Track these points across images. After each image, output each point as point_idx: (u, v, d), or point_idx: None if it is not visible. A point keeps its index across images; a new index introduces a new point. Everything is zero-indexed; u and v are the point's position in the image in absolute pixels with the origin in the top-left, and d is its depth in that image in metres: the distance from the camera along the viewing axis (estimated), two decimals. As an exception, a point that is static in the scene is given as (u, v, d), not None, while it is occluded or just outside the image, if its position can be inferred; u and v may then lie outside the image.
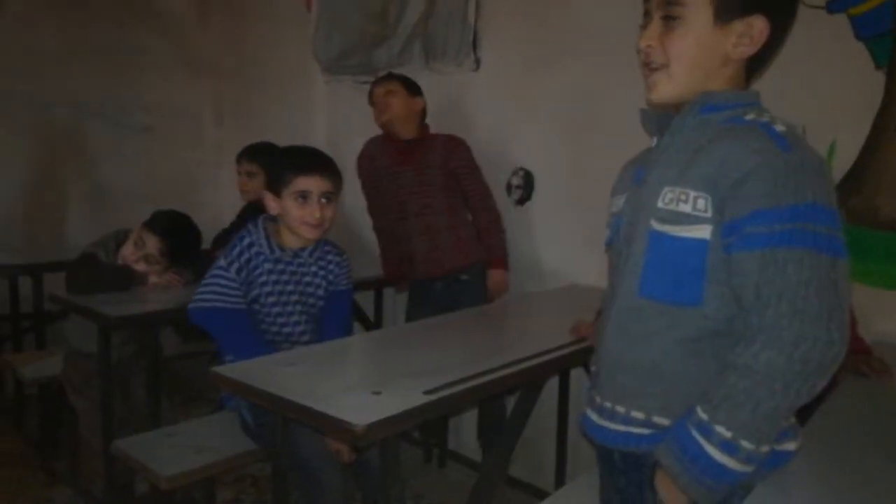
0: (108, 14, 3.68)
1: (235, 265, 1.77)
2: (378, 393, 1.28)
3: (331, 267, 1.90)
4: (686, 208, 0.90)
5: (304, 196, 1.76)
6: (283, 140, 3.06)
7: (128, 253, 2.19)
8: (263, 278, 1.80)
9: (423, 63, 2.89)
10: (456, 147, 2.48)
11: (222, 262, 1.78)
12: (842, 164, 1.83)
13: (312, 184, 1.76)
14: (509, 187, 2.61)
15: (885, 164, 1.77)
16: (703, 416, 0.86)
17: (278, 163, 1.86)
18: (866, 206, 1.80)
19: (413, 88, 2.51)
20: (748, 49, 0.94)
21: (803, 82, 1.87)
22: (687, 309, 0.92)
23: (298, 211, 1.76)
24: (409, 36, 2.95)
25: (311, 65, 3.43)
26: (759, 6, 0.92)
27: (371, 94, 2.53)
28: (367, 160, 2.61)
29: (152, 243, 2.19)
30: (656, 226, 0.93)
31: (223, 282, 1.76)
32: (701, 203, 0.89)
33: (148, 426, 2.03)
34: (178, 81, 3.96)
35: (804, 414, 0.91)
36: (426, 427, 2.75)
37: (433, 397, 1.29)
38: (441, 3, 2.80)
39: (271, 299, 1.82)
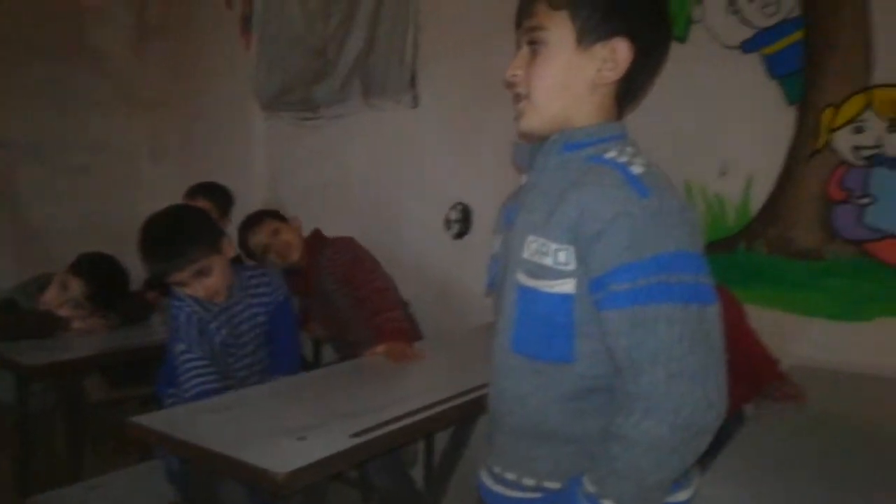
0: (42, 51, 3.60)
1: (194, 343, 1.72)
2: (303, 438, 1.25)
3: (260, 290, 1.87)
4: (548, 262, 0.85)
5: (179, 284, 1.71)
6: (222, 178, 3.04)
7: (51, 298, 2.12)
8: (218, 336, 1.77)
9: (363, 99, 2.90)
10: (337, 257, 2.30)
11: (181, 347, 1.71)
12: (759, 195, 1.90)
13: (176, 277, 1.68)
14: (448, 222, 2.63)
15: (800, 196, 1.85)
16: (591, 488, 0.82)
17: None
18: (782, 236, 1.87)
19: (280, 215, 2.40)
20: (612, 74, 0.89)
21: (722, 118, 1.95)
22: (560, 366, 0.87)
23: (188, 292, 1.72)
24: (348, 73, 2.96)
25: (250, 101, 3.41)
26: (620, 29, 0.88)
27: (249, 246, 2.33)
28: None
29: (76, 287, 2.12)
30: (522, 279, 0.89)
31: (195, 364, 1.70)
32: (562, 256, 0.84)
33: (69, 479, 1.93)
34: (115, 119, 3.88)
35: (709, 453, 0.90)
36: (364, 466, 2.69)
37: (360, 440, 1.27)
38: (379, 42, 2.84)
39: (231, 350, 1.79)
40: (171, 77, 3.93)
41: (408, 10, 2.70)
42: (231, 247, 1.80)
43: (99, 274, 2.17)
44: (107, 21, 3.83)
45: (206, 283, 1.69)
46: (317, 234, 2.41)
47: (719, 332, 0.80)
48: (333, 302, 2.33)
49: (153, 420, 1.38)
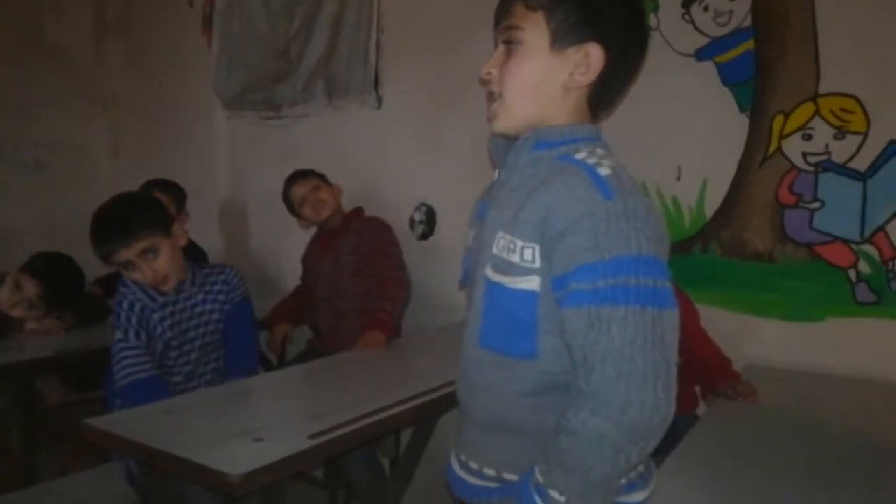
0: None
1: (131, 331, 1.70)
2: (260, 440, 1.25)
3: (217, 287, 1.85)
4: (514, 258, 0.87)
5: (127, 266, 1.69)
6: (183, 176, 3.00)
7: (2, 298, 2.07)
8: (160, 328, 1.74)
9: (326, 100, 2.90)
10: (367, 231, 2.45)
11: (118, 335, 1.70)
12: (714, 200, 1.95)
13: (123, 255, 1.67)
14: (412, 223, 2.64)
15: (752, 200, 1.90)
16: (540, 478, 0.84)
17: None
18: (736, 239, 1.92)
19: (325, 178, 2.55)
20: (584, 78, 0.90)
21: (677, 124, 1.99)
22: (523, 362, 0.89)
23: (135, 276, 1.70)
24: (311, 73, 2.95)
25: (212, 100, 3.37)
26: (594, 34, 0.89)
27: (290, 196, 2.50)
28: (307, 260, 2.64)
29: (30, 287, 2.08)
30: (490, 274, 0.90)
31: (128, 353, 1.68)
32: (528, 253, 0.86)
33: (25, 482, 1.90)
34: (73, 116, 3.80)
35: (662, 451, 0.91)
36: (330, 466, 2.69)
37: (317, 441, 1.27)
38: (342, 43, 2.83)
39: (174, 343, 1.76)
40: (132, 74, 3.88)
41: (371, 11, 2.71)
42: (183, 236, 1.79)
43: (54, 274, 2.13)
44: (65, 18, 3.75)
45: (153, 265, 1.68)
46: (357, 209, 2.56)
47: (674, 336, 0.81)
48: (340, 272, 2.42)
49: (108, 422, 1.37)
